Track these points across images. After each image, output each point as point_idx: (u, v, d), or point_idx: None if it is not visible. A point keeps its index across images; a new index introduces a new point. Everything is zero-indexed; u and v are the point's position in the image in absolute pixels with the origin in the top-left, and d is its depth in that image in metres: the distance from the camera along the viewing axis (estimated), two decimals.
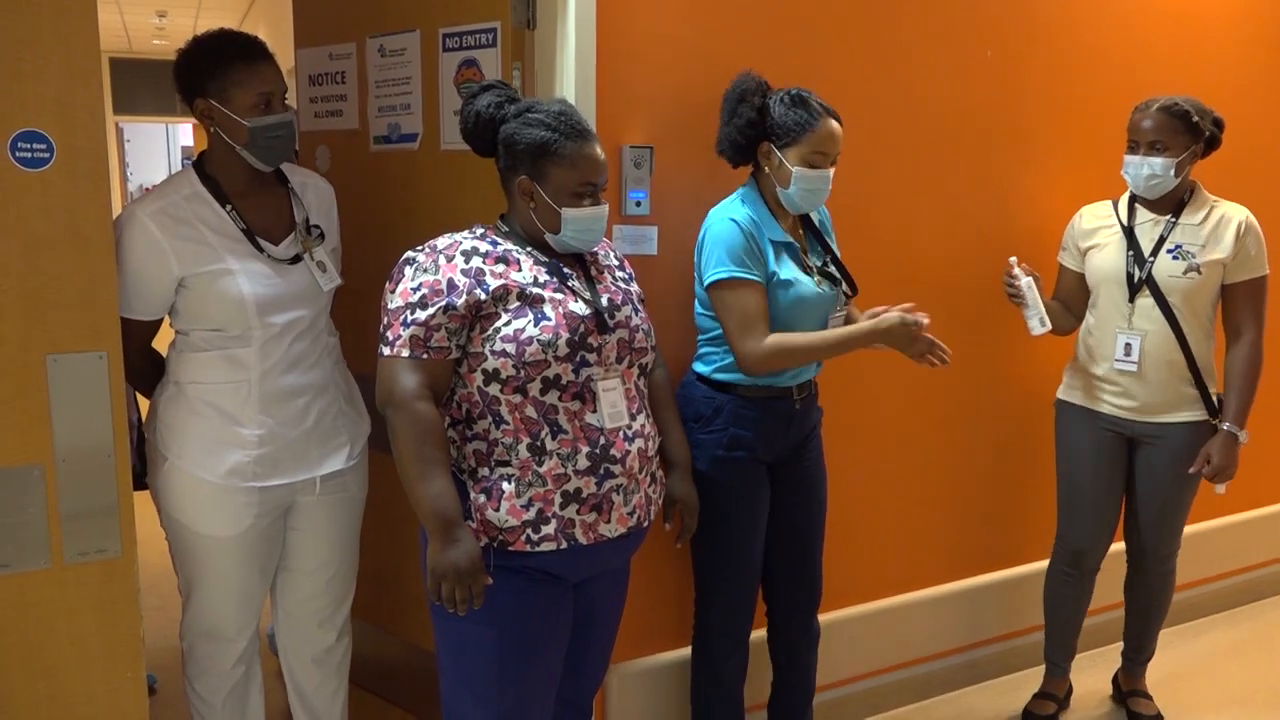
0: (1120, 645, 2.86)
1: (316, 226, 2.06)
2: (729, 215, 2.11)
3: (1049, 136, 2.92)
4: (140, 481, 2.52)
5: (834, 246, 2.30)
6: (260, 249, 1.95)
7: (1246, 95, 3.27)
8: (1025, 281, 2.52)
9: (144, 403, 2.17)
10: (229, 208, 1.95)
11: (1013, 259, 2.56)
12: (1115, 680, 2.90)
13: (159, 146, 15.16)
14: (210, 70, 1.89)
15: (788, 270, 2.12)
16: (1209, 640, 3.29)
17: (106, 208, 1.64)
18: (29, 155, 1.57)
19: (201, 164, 1.99)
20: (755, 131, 2.12)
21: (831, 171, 2.12)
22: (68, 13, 1.57)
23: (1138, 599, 2.76)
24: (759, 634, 2.39)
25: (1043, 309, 2.51)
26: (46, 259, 1.60)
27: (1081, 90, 2.94)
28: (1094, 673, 2.81)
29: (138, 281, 1.88)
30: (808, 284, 2.13)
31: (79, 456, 1.65)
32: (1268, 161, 3.38)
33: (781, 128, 2.10)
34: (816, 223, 2.27)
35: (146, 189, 13.84)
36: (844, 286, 2.21)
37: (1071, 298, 2.67)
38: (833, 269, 2.22)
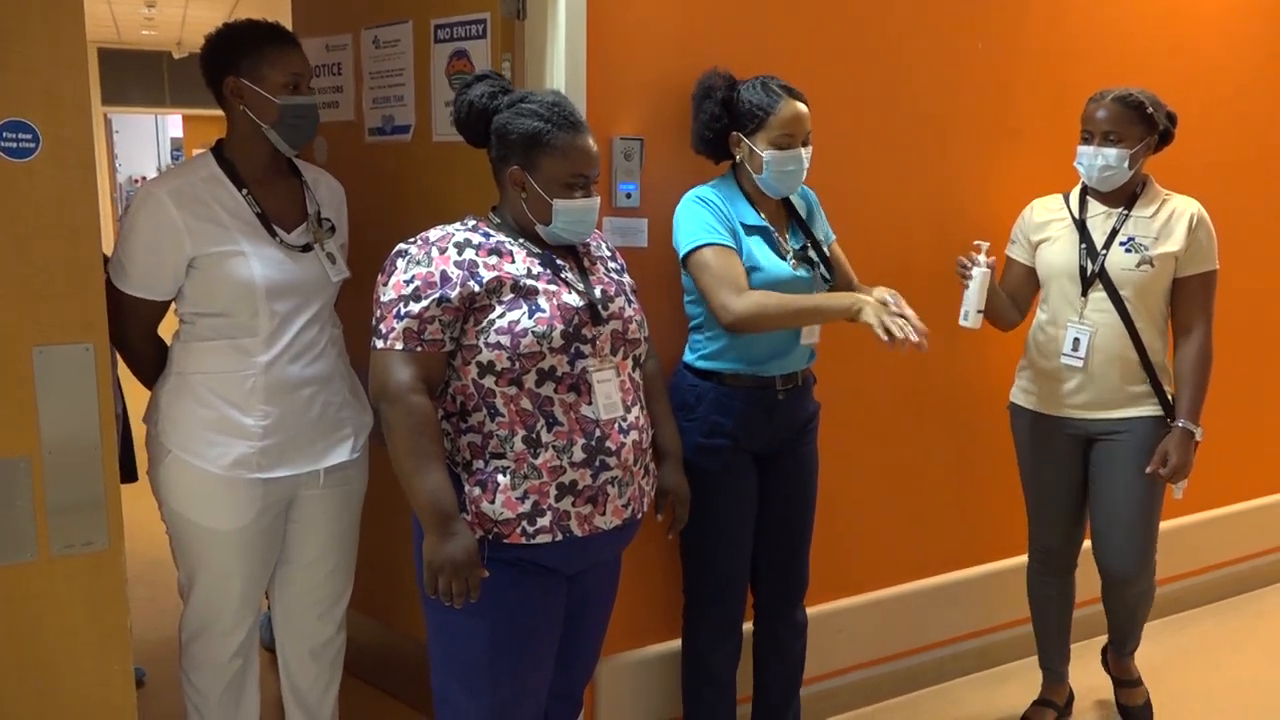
0: (1100, 642, 2.85)
1: (328, 219, 2.08)
2: (695, 195, 2.16)
3: (1039, 128, 2.92)
4: (127, 474, 2.52)
5: (822, 230, 2.31)
6: (274, 234, 1.97)
7: (1237, 87, 3.28)
8: (980, 271, 2.38)
9: (135, 396, 2.16)
10: (245, 192, 1.97)
11: (986, 245, 2.43)
12: (1104, 653, 2.82)
13: (148, 138, 15.08)
14: (244, 49, 1.95)
15: (758, 254, 2.13)
16: (1195, 633, 3.31)
17: (94, 198, 1.63)
18: (14, 145, 1.56)
19: (220, 150, 2.01)
20: (721, 125, 2.16)
21: (804, 151, 2.13)
22: (54, 2, 1.55)
23: (1116, 615, 2.66)
24: (750, 625, 2.40)
25: (980, 305, 2.38)
26: (33, 250, 1.59)
27: (1071, 82, 2.94)
28: (1078, 663, 2.81)
29: (148, 258, 1.90)
30: (781, 267, 2.14)
31: (65, 448, 1.64)
32: (1260, 156, 3.39)
33: (746, 115, 2.13)
34: (802, 209, 2.28)
35: (136, 180, 13.77)
36: (822, 271, 2.22)
37: (1018, 291, 2.62)
38: (812, 254, 2.22)
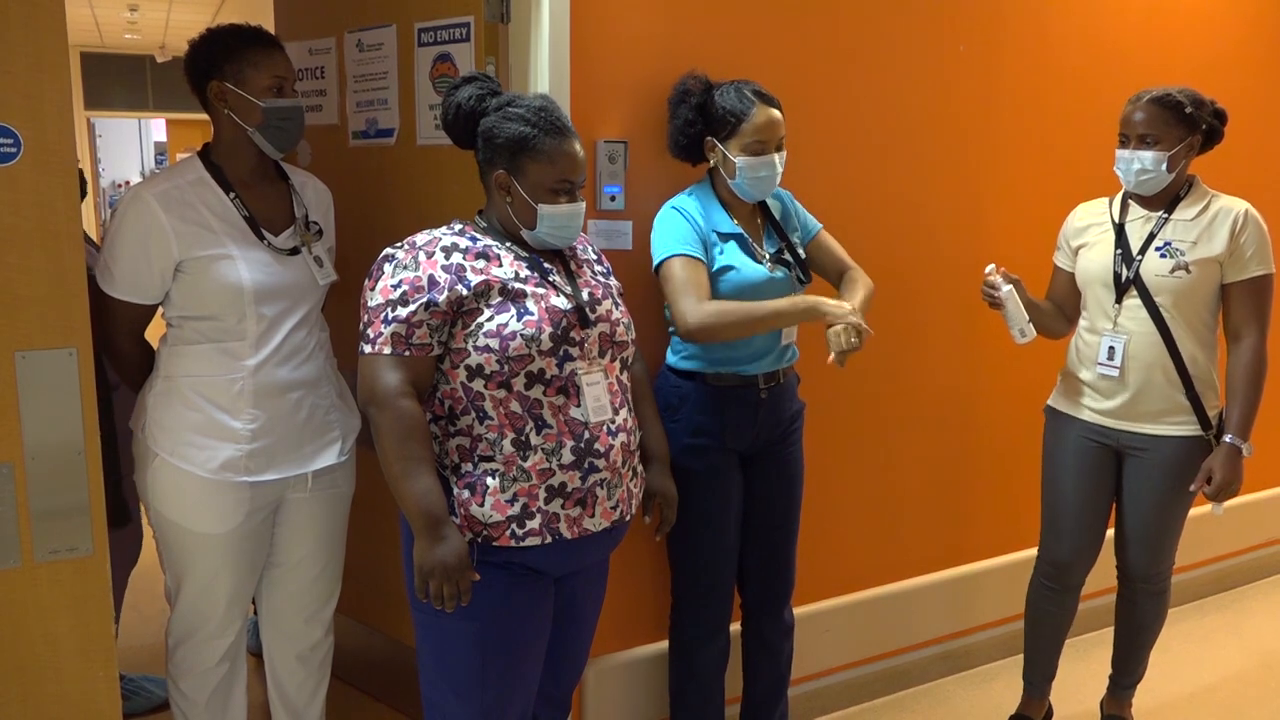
0: (1088, 639, 2.86)
1: (315, 222, 2.08)
2: (672, 205, 2.18)
3: (1024, 131, 2.95)
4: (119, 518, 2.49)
5: (800, 228, 2.32)
6: (262, 237, 1.97)
7: (1224, 83, 3.29)
8: (1006, 290, 2.35)
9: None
10: (233, 195, 1.97)
11: (990, 266, 2.39)
12: (1101, 705, 2.74)
13: (131, 142, 14.98)
14: (227, 53, 1.95)
15: (732, 259, 2.15)
16: (1180, 629, 3.33)
17: (75, 202, 1.62)
18: None
19: (206, 154, 2.01)
20: (695, 129, 2.17)
21: (777, 157, 2.15)
22: (35, 5, 1.55)
23: (1127, 621, 2.60)
24: (738, 625, 2.40)
25: (1025, 317, 2.34)
26: (14, 254, 1.58)
27: (1056, 83, 2.97)
28: (1066, 664, 2.82)
29: (136, 261, 1.90)
30: (756, 271, 2.16)
31: (48, 454, 1.63)
32: (1249, 157, 3.41)
33: (720, 121, 2.14)
34: (776, 211, 2.29)
35: (119, 185, 13.65)
36: (798, 273, 2.23)
37: (1064, 299, 2.54)
38: (788, 256, 2.24)
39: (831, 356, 2.02)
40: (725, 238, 2.16)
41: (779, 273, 2.19)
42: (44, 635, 1.66)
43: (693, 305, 2.06)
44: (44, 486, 1.63)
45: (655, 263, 2.15)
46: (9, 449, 1.61)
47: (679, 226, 2.14)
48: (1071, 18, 2.99)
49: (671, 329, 2.24)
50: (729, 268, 2.14)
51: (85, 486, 1.66)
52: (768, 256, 2.20)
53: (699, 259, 2.11)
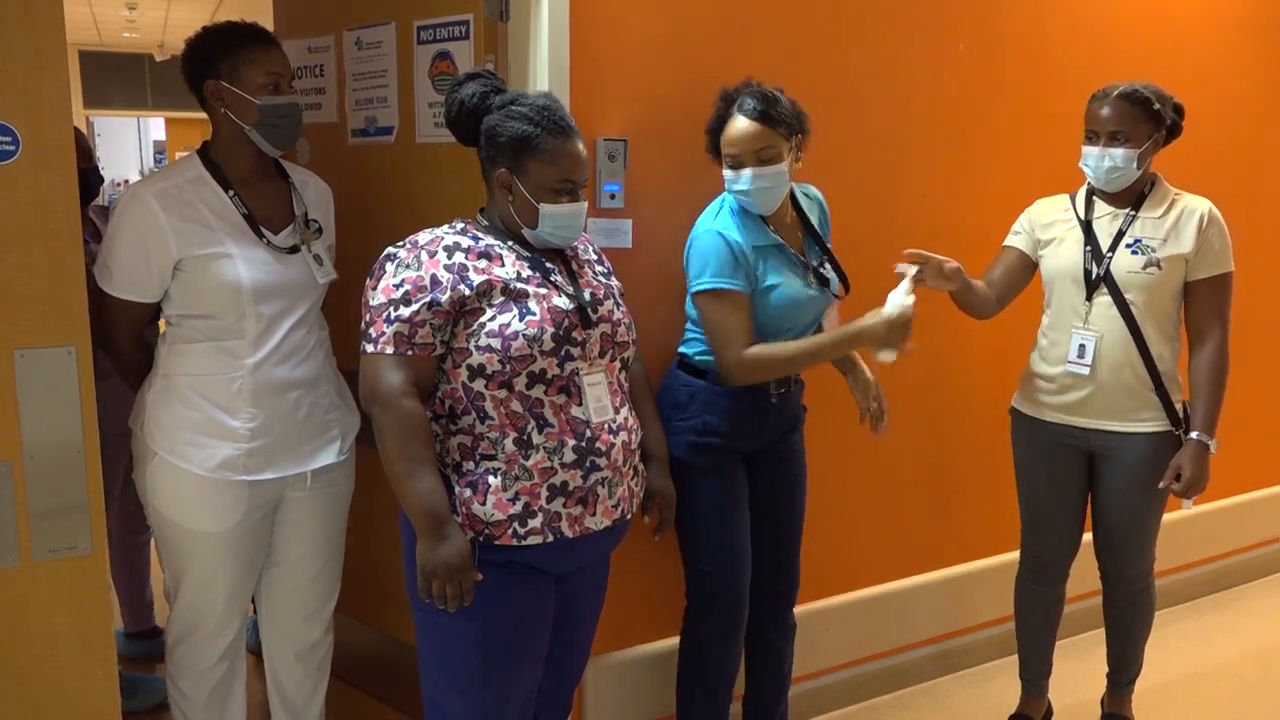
0: (1086, 639, 2.85)
1: (315, 220, 2.08)
2: (713, 226, 2.12)
3: (1023, 129, 2.95)
4: None
5: (827, 242, 2.30)
6: (261, 235, 1.97)
7: (1222, 85, 3.31)
8: (907, 283, 2.13)
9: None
10: (232, 194, 1.97)
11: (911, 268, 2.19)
12: (1101, 703, 2.76)
13: (130, 140, 14.95)
14: (223, 51, 1.95)
15: (774, 275, 2.13)
16: (1177, 629, 3.34)
17: (74, 201, 1.62)
18: None
19: (206, 152, 2.01)
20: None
21: (771, 169, 2.05)
22: (33, 3, 1.54)
23: (1115, 622, 2.61)
24: None
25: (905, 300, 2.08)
26: (13, 253, 1.58)
27: (1056, 83, 2.97)
28: (1061, 665, 2.81)
29: (134, 260, 1.90)
30: (798, 286, 2.14)
31: (47, 453, 1.63)
32: (1240, 152, 3.42)
33: (709, 134, 2.14)
34: (816, 222, 2.27)
35: (118, 184, 13.64)
36: (834, 287, 2.21)
37: (1004, 280, 2.48)
38: (827, 268, 2.22)
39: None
40: (764, 251, 2.12)
41: (817, 288, 2.18)
42: (43, 634, 1.66)
43: (735, 355, 2.07)
44: (43, 485, 1.63)
45: (695, 288, 2.10)
46: (8, 447, 1.60)
47: (720, 252, 2.07)
48: (1071, 18, 2.99)
49: (690, 323, 2.22)
50: (775, 286, 2.11)
51: (84, 485, 1.66)
52: (809, 268, 2.18)
53: (739, 290, 2.08)
